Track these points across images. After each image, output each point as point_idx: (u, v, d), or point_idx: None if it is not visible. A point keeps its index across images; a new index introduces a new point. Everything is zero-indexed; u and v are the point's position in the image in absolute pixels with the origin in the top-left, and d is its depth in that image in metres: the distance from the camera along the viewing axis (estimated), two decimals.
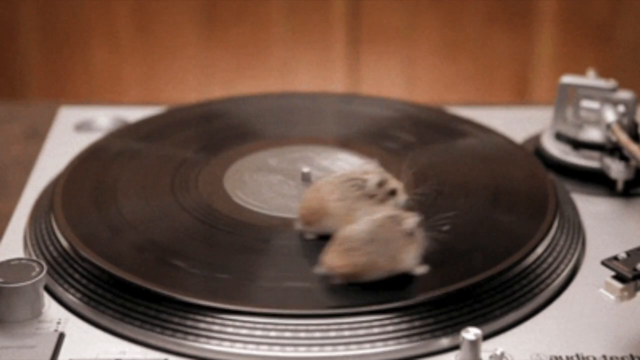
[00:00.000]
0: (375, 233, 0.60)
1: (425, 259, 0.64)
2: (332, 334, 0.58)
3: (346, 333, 0.58)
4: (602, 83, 0.78)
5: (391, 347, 0.58)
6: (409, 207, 0.65)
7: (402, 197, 0.66)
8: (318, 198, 0.65)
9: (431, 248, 0.62)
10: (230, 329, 0.58)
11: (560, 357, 0.58)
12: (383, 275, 0.60)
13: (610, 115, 0.76)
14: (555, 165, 0.78)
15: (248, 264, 0.63)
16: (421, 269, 0.61)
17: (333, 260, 0.60)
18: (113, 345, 0.59)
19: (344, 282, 0.60)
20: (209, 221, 0.68)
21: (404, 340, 0.58)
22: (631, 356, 0.58)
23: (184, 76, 1.45)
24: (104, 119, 0.88)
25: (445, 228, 0.64)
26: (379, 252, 0.60)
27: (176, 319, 0.59)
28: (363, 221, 0.60)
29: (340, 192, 0.65)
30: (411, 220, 0.61)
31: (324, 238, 0.63)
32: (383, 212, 0.61)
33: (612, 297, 0.58)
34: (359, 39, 1.43)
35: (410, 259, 0.61)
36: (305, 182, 0.73)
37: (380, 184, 0.65)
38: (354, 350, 0.58)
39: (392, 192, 0.65)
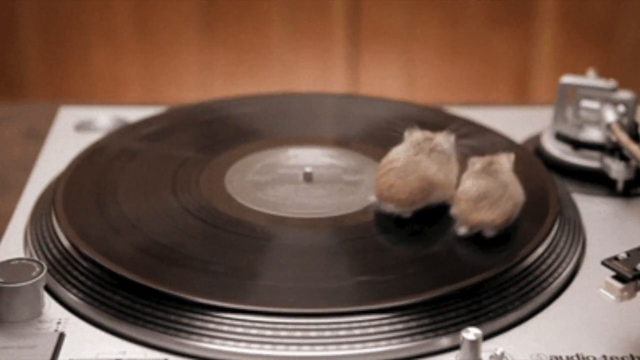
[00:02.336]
0: (502, 179, 0.66)
1: (426, 259, 0.64)
2: (332, 333, 0.58)
3: (346, 332, 0.58)
4: (602, 83, 0.78)
5: (391, 346, 0.58)
6: None
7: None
8: (420, 177, 0.67)
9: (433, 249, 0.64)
10: (230, 328, 0.58)
11: (560, 357, 0.58)
12: (519, 212, 0.66)
13: (610, 115, 0.76)
14: (556, 165, 0.78)
15: (249, 263, 0.63)
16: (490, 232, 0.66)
17: (486, 215, 0.65)
18: (113, 345, 0.59)
19: (496, 233, 0.65)
20: (209, 220, 0.68)
21: (404, 340, 0.58)
22: (631, 356, 0.58)
23: (184, 76, 1.45)
24: (104, 119, 0.88)
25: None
26: (514, 193, 0.66)
27: (176, 318, 0.59)
28: (476, 175, 0.66)
29: (435, 163, 0.68)
30: (506, 158, 0.67)
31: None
32: (480, 162, 0.66)
33: (612, 297, 0.58)
34: (359, 39, 1.43)
35: (521, 189, 0.67)
36: (306, 182, 0.73)
37: (447, 138, 0.69)
38: (354, 350, 0.58)
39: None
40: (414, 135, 0.69)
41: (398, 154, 0.68)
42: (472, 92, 1.45)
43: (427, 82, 1.45)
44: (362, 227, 0.68)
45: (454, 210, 0.66)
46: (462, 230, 0.65)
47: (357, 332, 0.58)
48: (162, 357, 0.58)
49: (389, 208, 0.67)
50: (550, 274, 0.64)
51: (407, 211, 0.67)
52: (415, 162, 0.67)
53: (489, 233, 0.65)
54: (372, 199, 0.68)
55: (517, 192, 0.66)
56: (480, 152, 0.78)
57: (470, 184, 0.66)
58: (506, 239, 0.66)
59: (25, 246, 0.69)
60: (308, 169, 0.74)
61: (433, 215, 0.67)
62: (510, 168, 0.67)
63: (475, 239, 0.66)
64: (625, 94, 0.77)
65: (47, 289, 0.63)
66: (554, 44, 1.43)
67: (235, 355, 0.58)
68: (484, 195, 0.65)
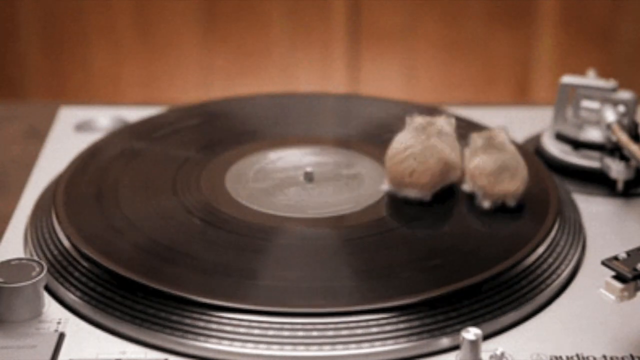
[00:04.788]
0: (509, 151, 0.69)
1: (426, 259, 0.64)
2: (332, 333, 0.58)
3: (346, 332, 0.58)
4: (602, 83, 0.78)
5: (391, 346, 0.58)
6: None
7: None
8: (439, 159, 0.69)
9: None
10: (230, 328, 0.58)
11: (560, 357, 0.58)
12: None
13: (610, 115, 0.76)
14: (556, 166, 0.78)
15: (249, 262, 0.63)
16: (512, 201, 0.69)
17: (509, 186, 0.68)
18: (113, 345, 0.59)
19: (517, 202, 0.69)
20: (210, 220, 0.68)
21: (404, 339, 0.58)
22: (631, 356, 0.58)
23: (184, 76, 1.45)
24: (104, 119, 0.88)
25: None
26: (520, 162, 0.69)
27: (177, 318, 0.59)
28: (482, 151, 0.69)
29: (447, 145, 0.70)
30: (497, 131, 0.70)
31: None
32: (480, 138, 0.69)
33: (612, 297, 0.58)
34: (359, 39, 1.43)
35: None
36: (307, 182, 0.73)
37: (448, 121, 0.71)
38: (353, 350, 0.58)
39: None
40: (415, 121, 0.70)
41: (408, 140, 0.69)
42: (472, 92, 1.45)
43: (427, 82, 1.45)
44: (362, 227, 0.68)
45: (471, 187, 0.69)
46: (486, 204, 0.68)
47: (357, 332, 0.58)
48: (162, 357, 0.58)
49: (412, 193, 0.69)
50: (550, 274, 0.64)
51: (427, 194, 0.69)
52: (432, 145, 0.69)
53: (512, 203, 0.68)
54: (386, 187, 0.70)
55: (521, 159, 0.69)
56: None
57: (484, 160, 0.68)
58: (507, 239, 0.66)
59: (25, 246, 0.69)
60: (308, 169, 0.74)
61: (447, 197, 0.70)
62: (508, 139, 0.70)
63: (476, 238, 0.66)
64: (625, 94, 0.77)
65: (47, 289, 0.63)
66: (554, 44, 1.43)
67: (235, 355, 0.58)
68: (504, 167, 0.68)
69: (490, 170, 0.68)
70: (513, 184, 0.68)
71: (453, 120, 0.72)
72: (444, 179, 0.70)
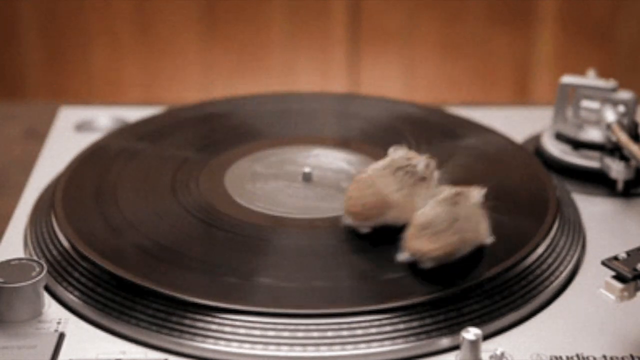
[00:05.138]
0: (455, 212, 0.62)
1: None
2: (332, 333, 0.58)
3: (346, 333, 0.58)
4: (602, 83, 0.78)
5: (391, 347, 0.58)
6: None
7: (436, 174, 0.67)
8: (375, 192, 0.65)
9: None
10: (230, 329, 0.58)
11: (560, 357, 0.58)
12: (469, 250, 0.62)
13: (610, 115, 0.76)
14: (556, 165, 0.78)
15: (248, 263, 0.63)
16: (490, 239, 0.63)
17: (423, 245, 0.61)
18: (113, 345, 0.59)
19: (435, 265, 0.61)
20: (209, 221, 0.68)
21: (404, 340, 0.58)
22: (631, 356, 0.58)
23: (185, 76, 1.45)
24: (104, 119, 0.88)
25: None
26: (465, 228, 0.62)
27: (176, 319, 0.59)
28: (435, 203, 0.62)
29: (397, 183, 0.65)
30: (476, 192, 0.63)
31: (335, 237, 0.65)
32: (447, 191, 0.63)
33: (612, 297, 0.58)
34: (359, 39, 1.43)
35: (486, 228, 0.63)
36: (306, 182, 0.73)
37: (428, 165, 0.66)
38: (354, 350, 0.58)
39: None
40: (396, 153, 0.67)
41: (373, 169, 0.66)
42: (472, 92, 1.45)
43: (427, 82, 1.45)
44: (361, 227, 0.67)
45: (404, 234, 0.63)
46: (401, 256, 0.62)
47: (357, 332, 0.58)
48: (162, 357, 0.58)
49: (347, 220, 0.66)
50: (550, 274, 0.64)
51: (363, 226, 0.65)
52: (375, 177, 0.66)
53: (426, 264, 0.61)
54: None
55: (470, 229, 0.62)
56: (480, 152, 0.78)
57: (422, 211, 0.62)
58: (506, 239, 0.66)
59: (25, 246, 0.69)
60: (308, 169, 0.74)
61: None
62: (477, 203, 0.63)
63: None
64: (625, 94, 0.77)
65: (47, 289, 0.63)
66: (554, 44, 1.43)
67: (235, 355, 0.58)
68: (428, 224, 0.61)
69: (416, 222, 0.62)
70: (428, 244, 0.61)
71: (433, 163, 0.67)
72: (379, 215, 0.65)
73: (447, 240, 0.61)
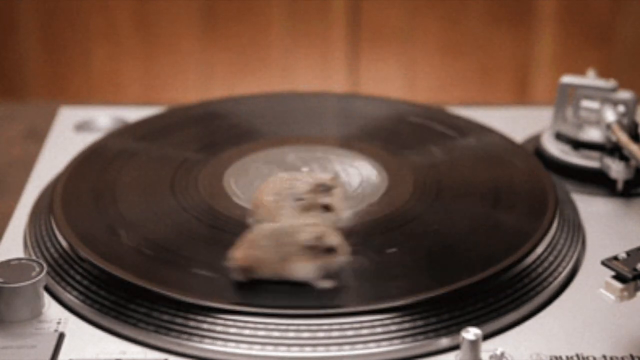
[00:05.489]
0: (277, 234, 0.61)
1: (425, 259, 0.64)
2: (331, 334, 0.58)
3: (346, 333, 0.58)
4: (602, 83, 0.78)
5: (391, 347, 0.58)
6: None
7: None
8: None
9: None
10: (230, 329, 0.58)
11: (560, 357, 0.58)
12: (276, 276, 0.60)
13: (610, 115, 0.76)
14: (555, 165, 0.78)
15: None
16: (325, 283, 0.61)
17: (235, 252, 0.61)
18: (113, 345, 0.59)
19: (241, 277, 0.60)
20: (208, 221, 0.68)
21: (404, 340, 0.58)
22: (631, 356, 0.58)
23: (184, 76, 1.45)
24: (104, 119, 0.88)
25: (391, 250, 0.64)
26: (272, 252, 0.60)
27: (176, 319, 0.59)
28: (280, 222, 0.62)
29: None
30: (332, 236, 0.60)
31: None
32: (306, 220, 0.61)
33: (612, 297, 0.58)
34: (359, 39, 1.43)
35: (305, 271, 0.60)
36: None
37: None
38: (352, 351, 0.58)
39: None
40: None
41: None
42: (472, 92, 1.45)
43: (427, 82, 1.45)
44: (361, 227, 0.67)
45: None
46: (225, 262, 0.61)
47: (357, 332, 0.58)
48: (162, 357, 0.58)
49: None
50: (549, 273, 0.64)
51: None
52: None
53: (237, 276, 0.61)
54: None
55: (293, 265, 0.60)
56: (480, 152, 0.78)
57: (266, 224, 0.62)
58: (506, 239, 0.66)
59: (25, 246, 0.69)
60: (308, 169, 0.74)
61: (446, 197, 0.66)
62: (309, 244, 0.60)
63: (476, 238, 0.66)
64: (625, 94, 0.77)
65: (47, 289, 0.63)
66: (554, 44, 1.43)
67: (235, 355, 0.58)
68: (252, 234, 0.61)
69: (252, 235, 0.62)
70: (237, 252, 0.61)
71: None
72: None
73: (251, 252, 0.60)
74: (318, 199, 0.65)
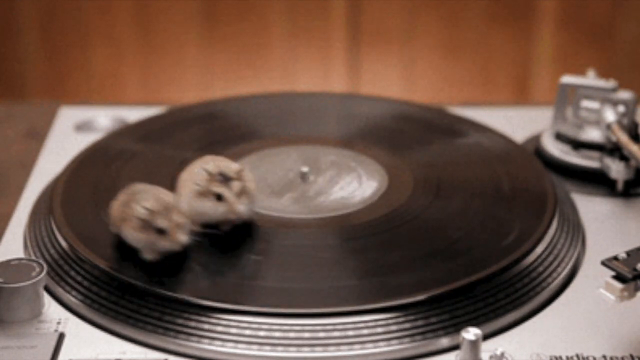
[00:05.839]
0: (132, 193, 0.64)
1: (425, 259, 0.64)
2: (331, 334, 0.58)
3: (346, 333, 0.58)
4: (602, 83, 0.78)
5: (391, 347, 0.58)
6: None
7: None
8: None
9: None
10: (231, 329, 0.58)
11: (560, 357, 0.58)
12: (118, 234, 0.63)
13: (610, 115, 0.76)
14: (555, 165, 0.78)
15: (248, 263, 0.63)
16: (148, 256, 0.62)
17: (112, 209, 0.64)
18: (113, 345, 0.59)
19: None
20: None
21: (404, 340, 0.58)
22: (631, 356, 0.58)
23: (184, 76, 1.45)
24: (104, 119, 0.88)
25: (391, 250, 0.65)
26: (120, 209, 0.63)
27: (176, 319, 0.59)
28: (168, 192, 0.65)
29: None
30: (141, 210, 0.62)
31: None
32: (166, 196, 0.64)
33: (612, 297, 0.58)
34: (359, 39, 1.43)
35: (133, 238, 0.62)
36: (307, 182, 0.73)
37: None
38: (352, 351, 0.58)
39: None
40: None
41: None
42: (472, 92, 1.45)
43: (427, 82, 1.45)
44: (360, 227, 0.68)
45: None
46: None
47: (357, 332, 0.58)
48: (162, 357, 0.58)
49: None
50: (549, 273, 0.64)
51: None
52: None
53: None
54: None
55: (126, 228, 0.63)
56: (480, 152, 0.78)
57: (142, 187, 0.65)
58: (506, 239, 0.66)
59: (25, 246, 0.68)
60: (308, 169, 0.74)
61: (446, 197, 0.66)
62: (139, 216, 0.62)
63: (475, 238, 0.66)
64: (625, 94, 0.77)
65: (47, 289, 0.63)
66: (554, 44, 1.43)
67: (235, 356, 0.58)
68: (135, 191, 0.64)
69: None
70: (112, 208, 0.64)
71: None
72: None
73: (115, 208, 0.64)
74: (211, 187, 0.66)
